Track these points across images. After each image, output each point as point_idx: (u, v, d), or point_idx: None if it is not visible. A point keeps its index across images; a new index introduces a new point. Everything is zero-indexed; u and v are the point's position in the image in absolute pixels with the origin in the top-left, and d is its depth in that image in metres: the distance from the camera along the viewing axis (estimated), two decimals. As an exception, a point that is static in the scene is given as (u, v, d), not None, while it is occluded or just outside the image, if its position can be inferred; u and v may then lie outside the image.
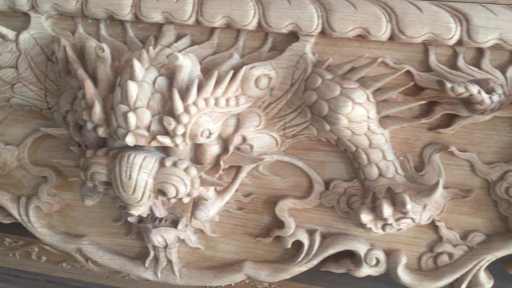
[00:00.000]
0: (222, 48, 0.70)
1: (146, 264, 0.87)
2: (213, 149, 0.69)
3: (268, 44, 0.69)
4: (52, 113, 0.76)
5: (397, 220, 0.72)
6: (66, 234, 0.90)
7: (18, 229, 0.95)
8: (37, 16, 0.72)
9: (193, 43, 0.71)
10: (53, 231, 0.90)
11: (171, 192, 0.65)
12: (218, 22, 0.67)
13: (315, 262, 0.83)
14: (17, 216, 0.88)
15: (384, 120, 0.68)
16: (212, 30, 0.70)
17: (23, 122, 0.83)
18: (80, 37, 0.72)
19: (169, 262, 0.87)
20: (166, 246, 0.81)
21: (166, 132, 0.62)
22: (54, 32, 0.72)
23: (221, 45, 0.71)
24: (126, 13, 0.68)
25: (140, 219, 0.76)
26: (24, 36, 0.72)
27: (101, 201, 0.81)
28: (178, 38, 0.70)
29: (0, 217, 0.90)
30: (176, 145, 0.62)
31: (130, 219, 0.76)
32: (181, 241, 0.83)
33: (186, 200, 0.68)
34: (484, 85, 0.64)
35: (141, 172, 0.63)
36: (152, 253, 0.86)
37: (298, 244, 0.83)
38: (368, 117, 0.66)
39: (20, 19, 0.73)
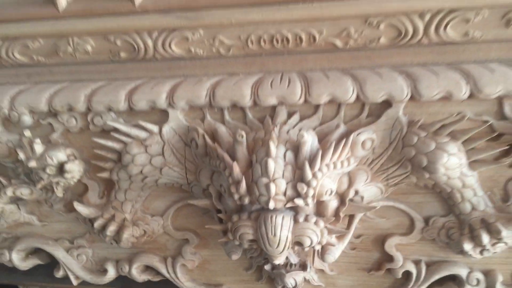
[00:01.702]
0: (327, 119, 0.76)
1: None
2: (332, 204, 0.76)
3: (365, 112, 0.75)
4: (192, 187, 0.83)
5: (493, 245, 0.76)
6: (207, 285, 0.97)
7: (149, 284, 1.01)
8: (174, 111, 0.78)
9: (301, 118, 0.76)
10: (196, 284, 0.97)
11: (307, 242, 0.71)
12: (324, 99, 0.72)
13: (423, 287, 0.87)
14: (166, 274, 0.95)
15: (473, 164, 0.74)
16: (317, 105, 0.75)
17: (164, 197, 0.89)
18: (209, 124, 0.79)
19: None
20: (294, 287, 0.86)
21: (298, 195, 0.68)
22: (188, 122, 0.79)
23: (325, 116, 0.76)
24: (247, 101, 0.74)
25: (273, 266, 0.83)
26: (166, 128, 0.79)
27: (233, 255, 0.88)
28: (290, 115, 0.76)
29: (150, 276, 0.96)
30: (307, 205, 0.69)
31: (266, 267, 0.83)
32: (306, 280, 0.87)
33: (317, 247, 0.74)
34: None
35: (283, 229, 0.70)
36: None
37: (406, 273, 0.87)
38: (461, 164, 0.71)
39: (157, 115, 0.80)
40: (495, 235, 0.74)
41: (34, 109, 0.82)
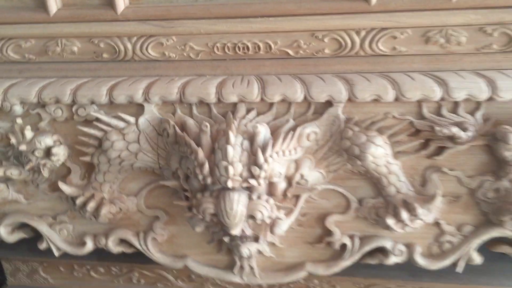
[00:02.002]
0: (279, 115, 0.85)
1: (235, 272, 1.00)
2: (282, 185, 0.85)
3: (311, 110, 0.84)
4: (163, 171, 0.91)
5: (412, 221, 0.86)
6: (174, 256, 1.03)
7: (121, 256, 1.08)
8: (149, 105, 0.86)
9: (258, 114, 0.85)
10: (164, 255, 1.03)
11: (259, 216, 0.81)
12: (276, 98, 0.82)
13: (356, 257, 0.95)
14: (139, 247, 1.02)
15: (397, 154, 0.84)
16: (271, 103, 0.84)
17: (138, 179, 0.96)
18: (179, 117, 0.87)
19: (251, 268, 0.99)
20: (249, 257, 0.95)
21: (252, 176, 0.78)
22: (161, 115, 0.87)
23: (278, 113, 0.85)
24: (212, 98, 0.83)
25: (231, 238, 0.90)
26: (141, 120, 0.87)
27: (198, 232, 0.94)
28: (248, 111, 0.85)
29: (124, 248, 1.03)
30: (259, 185, 0.79)
31: (225, 239, 0.90)
32: (259, 252, 0.95)
33: (267, 221, 0.83)
34: (461, 125, 0.78)
35: (239, 204, 0.79)
36: (238, 263, 0.99)
37: (343, 246, 0.95)
38: (386, 154, 0.82)
39: (134, 108, 0.88)
40: (412, 212, 0.84)
41: (25, 100, 0.89)
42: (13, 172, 0.97)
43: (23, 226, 1.08)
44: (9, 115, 0.93)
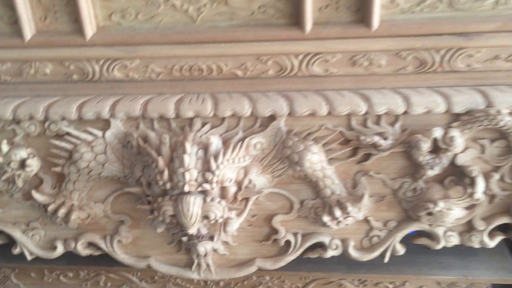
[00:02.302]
0: (231, 127, 0.92)
1: (193, 269, 1.07)
2: (232, 189, 0.92)
3: (258, 123, 0.92)
4: (127, 179, 0.97)
5: (345, 218, 0.95)
6: (138, 257, 1.08)
7: (89, 261, 1.14)
8: (115, 121, 0.92)
9: (212, 127, 0.92)
10: (129, 255, 1.08)
11: (212, 216, 0.88)
12: (227, 114, 0.89)
13: (299, 252, 1.03)
14: (105, 249, 1.07)
15: (330, 161, 0.93)
16: (223, 118, 0.91)
17: (105, 187, 1.02)
18: (142, 130, 0.93)
19: (207, 265, 1.06)
20: (205, 255, 1.01)
21: (206, 181, 0.87)
22: (125, 129, 0.93)
23: (230, 126, 0.92)
24: (171, 114, 0.89)
25: (189, 238, 0.96)
26: (108, 133, 0.93)
27: (160, 234, 1.01)
28: (203, 125, 0.92)
29: (92, 251, 1.08)
30: (212, 189, 0.88)
31: (183, 239, 0.97)
32: (214, 250, 1.02)
33: (220, 220, 0.91)
34: (382, 135, 0.88)
35: (195, 206, 0.87)
36: (196, 261, 1.06)
37: (287, 242, 1.02)
38: (321, 160, 0.91)
39: (101, 123, 0.94)
40: (344, 210, 0.93)
41: (1, 117, 0.93)
42: (-11, 183, 1.01)
43: (-3, 233, 1.12)
44: (-15, 131, 0.97)
